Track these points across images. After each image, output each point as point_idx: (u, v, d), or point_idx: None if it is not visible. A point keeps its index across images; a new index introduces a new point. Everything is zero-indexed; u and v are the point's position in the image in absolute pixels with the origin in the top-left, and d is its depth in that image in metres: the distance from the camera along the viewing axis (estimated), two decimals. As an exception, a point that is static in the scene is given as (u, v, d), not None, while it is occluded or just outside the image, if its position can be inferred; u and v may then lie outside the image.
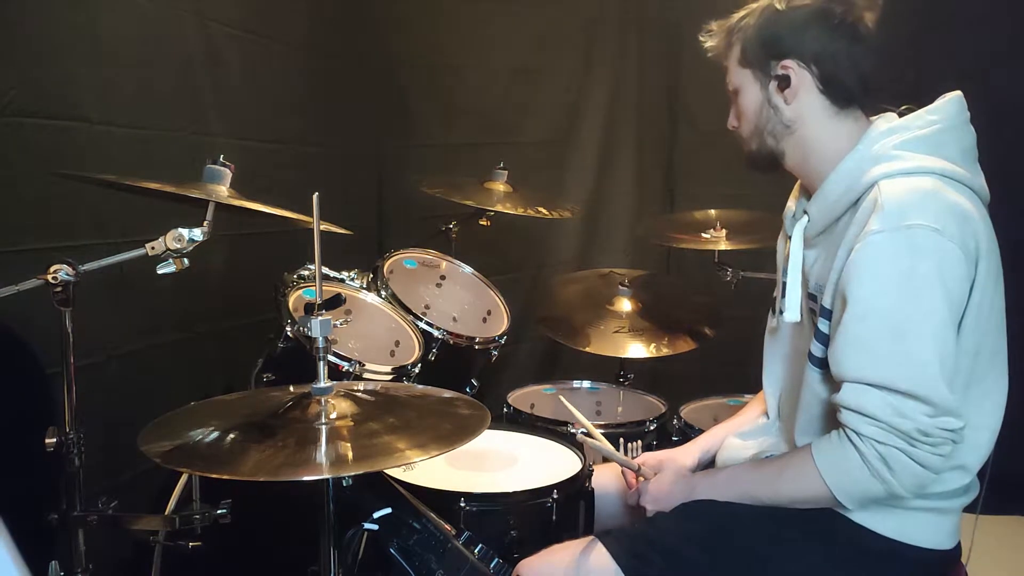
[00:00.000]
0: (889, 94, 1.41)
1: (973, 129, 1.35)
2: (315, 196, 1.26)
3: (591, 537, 1.44)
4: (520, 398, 2.44)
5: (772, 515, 1.37)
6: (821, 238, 1.40)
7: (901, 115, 1.38)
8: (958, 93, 1.36)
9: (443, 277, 2.41)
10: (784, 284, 1.45)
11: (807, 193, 1.46)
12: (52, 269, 1.35)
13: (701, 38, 1.48)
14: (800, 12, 1.35)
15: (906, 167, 1.28)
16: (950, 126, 1.33)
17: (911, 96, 1.39)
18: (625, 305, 2.59)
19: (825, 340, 1.34)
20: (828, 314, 1.33)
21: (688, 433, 2.24)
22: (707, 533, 1.38)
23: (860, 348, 1.24)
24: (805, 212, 1.42)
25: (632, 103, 3.39)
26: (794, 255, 1.43)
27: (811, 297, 1.41)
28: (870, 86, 1.38)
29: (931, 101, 1.36)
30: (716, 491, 1.43)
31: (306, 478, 1.12)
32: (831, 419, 1.37)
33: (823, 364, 1.35)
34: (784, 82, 1.37)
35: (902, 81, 1.40)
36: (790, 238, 1.46)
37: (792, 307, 1.42)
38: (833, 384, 1.34)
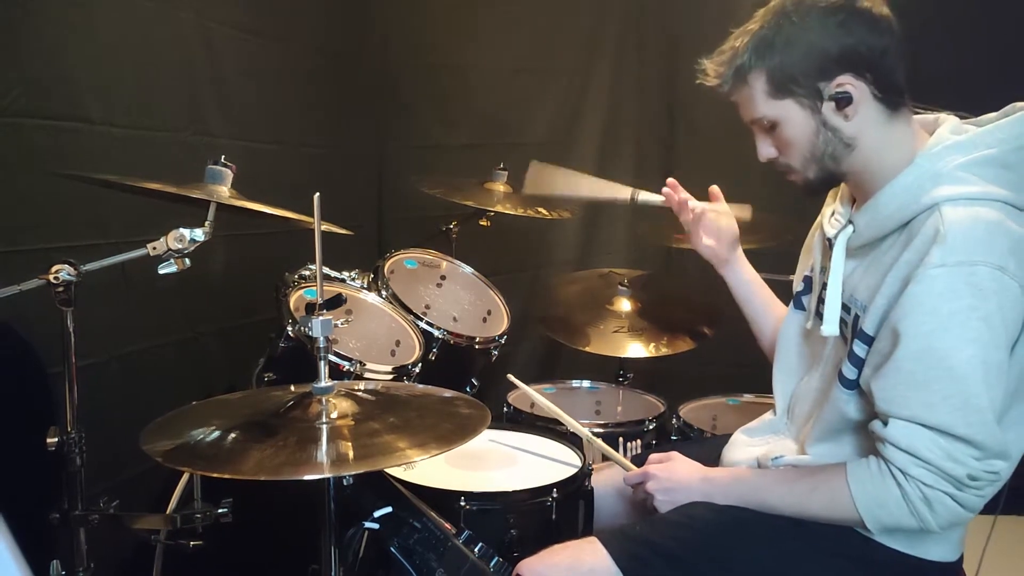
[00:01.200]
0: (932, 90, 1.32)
1: None
2: (316, 196, 1.26)
3: (591, 537, 1.44)
4: (520, 398, 2.44)
5: (776, 525, 1.36)
6: (863, 251, 1.34)
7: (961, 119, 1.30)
8: None
9: (443, 277, 2.41)
10: (806, 279, 1.41)
11: (852, 199, 1.39)
12: (54, 269, 1.35)
13: (699, 81, 1.37)
14: (832, 18, 1.23)
15: (972, 192, 1.19)
16: (1020, 146, 1.23)
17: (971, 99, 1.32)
18: (625, 305, 2.59)
19: (860, 364, 1.28)
20: (867, 339, 1.27)
21: (687, 433, 2.25)
22: (709, 540, 1.38)
23: (914, 387, 1.18)
24: (850, 222, 1.34)
25: (632, 103, 3.39)
26: (835, 268, 1.35)
27: (844, 308, 1.36)
28: (909, 78, 1.29)
29: (979, 101, 1.29)
30: (735, 498, 1.40)
31: (307, 477, 1.13)
32: (850, 436, 1.35)
33: (854, 386, 1.30)
34: (844, 101, 1.25)
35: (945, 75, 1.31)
36: (829, 241, 1.39)
37: (831, 321, 1.35)
38: (862, 407, 1.31)
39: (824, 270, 1.40)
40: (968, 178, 1.21)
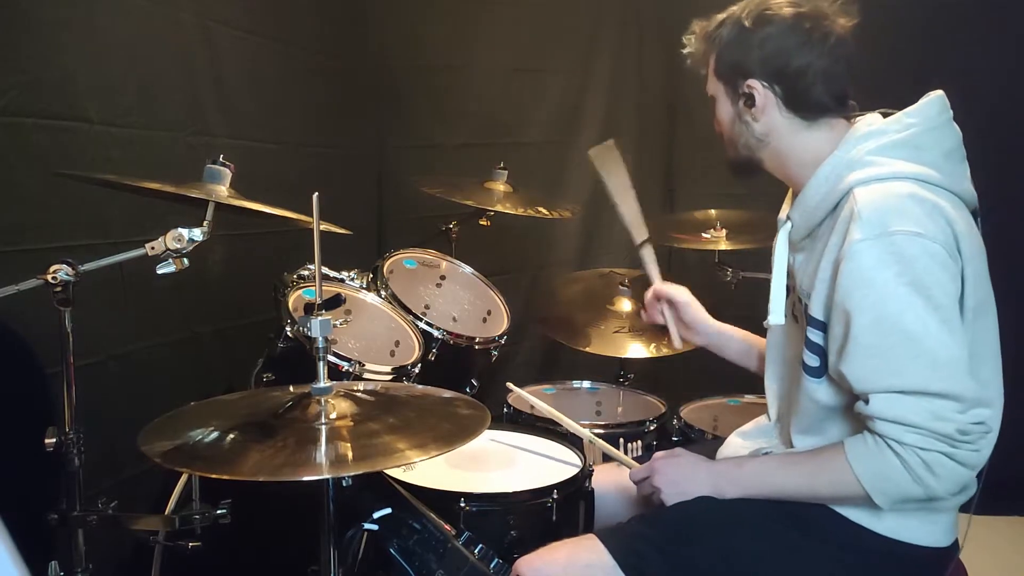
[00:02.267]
0: (877, 95, 1.38)
1: (957, 128, 1.33)
2: (315, 196, 1.26)
3: (589, 535, 1.44)
4: (520, 398, 2.44)
5: (770, 518, 1.37)
6: (806, 242, 1.40)
7: (884, 116, 1.36)
8: (940, 93, 1.34)
9: (443, 277, 2.41)
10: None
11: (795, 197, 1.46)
12: (52, 269, 1.35)
13: (685, 40, 1.49)
14: (766, 31, 1.34)
15: (881, 173, 1.27)
16: (930, 128, 1.30)
17: (908, 97, 1.36)
18: (625, 305, 2.59)
19: (818, 351, 1.33)
20: (819, 325, 1.32)
21: (688, 433, 2.25)
22: (706, 534, 1.38)
23: (879, 359, 1.22)
24: (789, 217, 1.42)
25: (632, 103, 3.39)
26: (778, 260, 1.43)
27: (798, 299, 1.40)
28: (844, 96, 1.36)
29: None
30: (743, 487, 1.40)
31: (306, 478, 1.12)
32: (830, 425, 1.37)
33: (817, 373, 1.34)
34: (750, 100, 1.38)
35: (897, 83, 1.38)
36: None
37: (776, 311, 1.42)
38: (833, 394, 1.33)
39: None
40: (878, 161, 1.28)
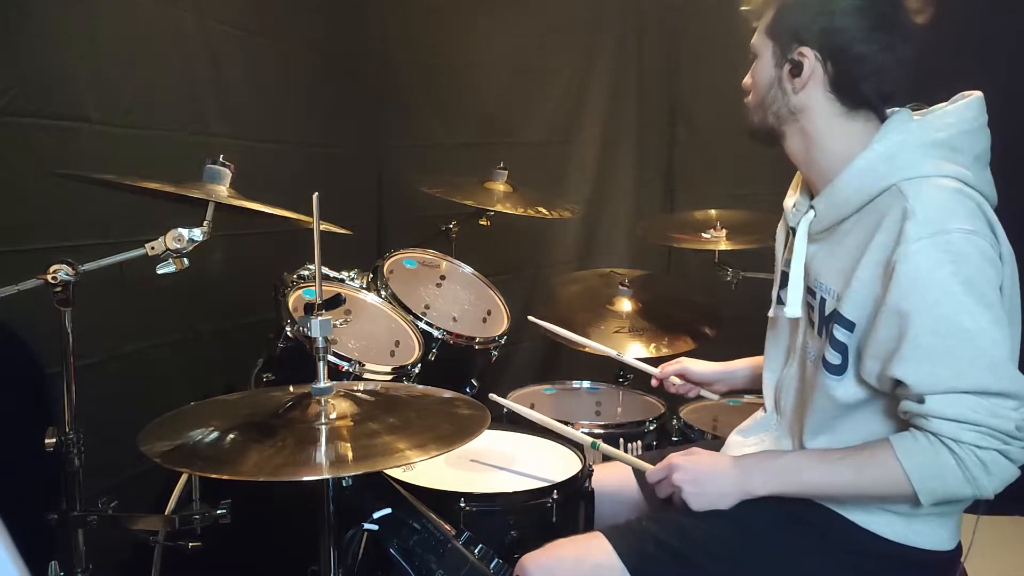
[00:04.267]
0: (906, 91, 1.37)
1: (989, 132, 1.32)
2: (315, 196, 1.26)
3: (596, 532, 1.42)
4: (520, 398, 2.44)
5: (778, 520, 1.36)
6: (823, 235, 1.38)
7: (914, 111, 1.34)
8: (979, 94, 1.32)
9: (443, 277, 2.41)
10: (783, 275, 1.44)
11: (809, 187, 1.44)
12: (52, 269, 1.35)
13: None
14: (839, 1, 1.29)
15: (926, 171, 1.25)
16: (967, 130, 1.30)
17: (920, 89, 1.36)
18: (625, 305, 2.59)
19: (843, 349, 1.31)
20: (847, 324, 1.29)
21: (688, 434, 2.25)
22: (713, 537, 1.37)
23: (940, 360, 1.20)
24: (811, 207, 1.38)
25: (632, 103, 3.39)
26: (798, 251, 1.40)
27: (809, 292, 1.40)
28: (890, 97, 1.34)
29: (940, 96, 1.33)
30: (776, 484, 1.36)
31: (306, 478, 1.12)
32: (845, 423, 1.35)
33: (838, 371, 1.32)
34: (797, 69, 1.34)
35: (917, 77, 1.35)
36: (792, 230, 1.43)
37: (794, 303, 1.40)
38: (852, 391, 1.32)
39: (787, 261, 1.44)
40: (921, 160, 1.27)
